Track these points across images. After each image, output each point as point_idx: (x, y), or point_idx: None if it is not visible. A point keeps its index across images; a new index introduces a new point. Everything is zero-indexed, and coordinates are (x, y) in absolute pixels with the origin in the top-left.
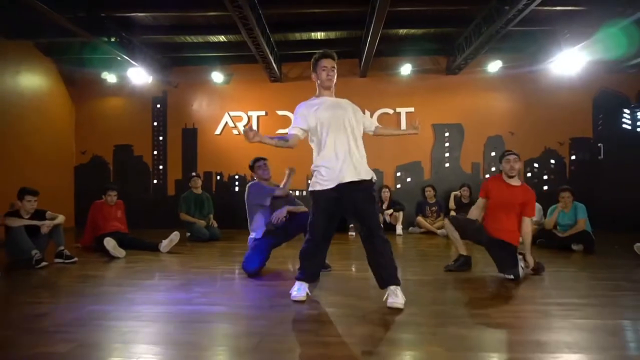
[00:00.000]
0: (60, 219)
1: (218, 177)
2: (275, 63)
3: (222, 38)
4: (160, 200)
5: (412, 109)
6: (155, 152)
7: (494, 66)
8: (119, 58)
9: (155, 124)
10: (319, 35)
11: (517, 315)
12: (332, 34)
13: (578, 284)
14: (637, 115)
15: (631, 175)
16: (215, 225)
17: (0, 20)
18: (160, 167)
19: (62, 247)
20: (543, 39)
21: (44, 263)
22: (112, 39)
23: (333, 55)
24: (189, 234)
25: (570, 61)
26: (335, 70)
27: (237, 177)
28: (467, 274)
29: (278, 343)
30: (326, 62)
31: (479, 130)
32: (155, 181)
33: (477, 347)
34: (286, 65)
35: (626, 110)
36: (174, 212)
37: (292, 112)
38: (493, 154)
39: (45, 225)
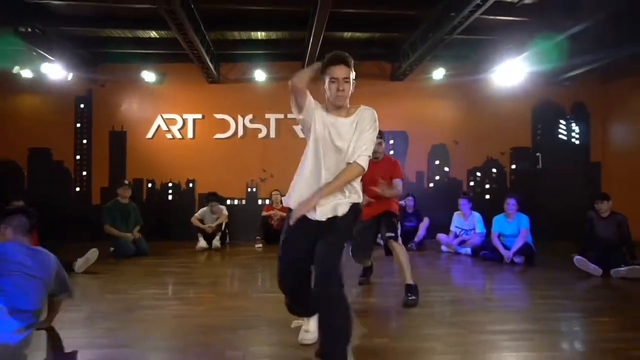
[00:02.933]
0: None
1: (149, 185)
2: (212, 63)
3: (152, 34)
4: (82, 209)
5: None
6: (78, 157)
7: (438, 73)
8: (34, 53)
9: (78, 125)
10: (260, 34)
11: (466, 348)
12: (273, 34)
13: (524, 305)
14: (572, 127)
15: (567, 184)
16: (141, 238)
17: None
18: (84, 173)
19: None
20: (486, 48)
21: None
22: (23, 29)
23: (347, 59)
24: (112, 248)
25: (512, 71)
26: (351, 82)
27: (170, 184)
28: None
29: None
30: (337, 71)
31: (423, 138)
32: (77, 189)
33: None
34: (225, 66)
35: (562, 121)
36: (98, 223)
37: (231, 116)
38: (437, 162)
39: None
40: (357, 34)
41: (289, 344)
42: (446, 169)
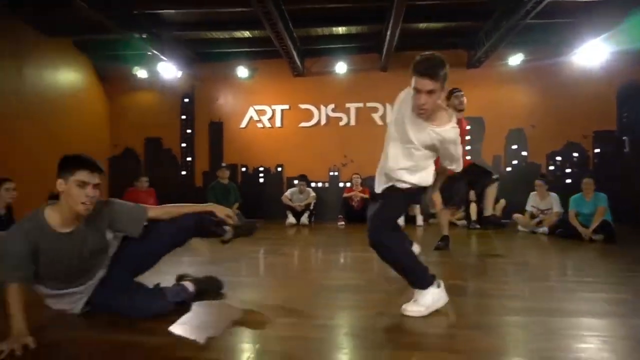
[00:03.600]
0: None
1: (243, 169)
2: (298, 57)
3: (247, 34)
4: (187, 190)
5: None
6: (183, 145)
7: (516, 59)
8: (149, 53)
9: (183, 117)
10: (341, 30)
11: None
12: (353, 29)
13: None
14: None
15: None
16: (240, 214)
17: (43, 19)
18: (188, 158)
19: None
20: (565, 30)
21: None
22: (144, 35)
23: (431, 72)
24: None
25: (593, 53)
26: (436, 94)
27: (261, 169)
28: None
29: None
30: (421, 83)
31: (500, 123)
32: (183, 172)
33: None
34: (309, 60)
35: None
36: (201, 202)
37: (314, 106)
38: (515, 146)
39: None
40: (433, 24)
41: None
42: (524, 153)
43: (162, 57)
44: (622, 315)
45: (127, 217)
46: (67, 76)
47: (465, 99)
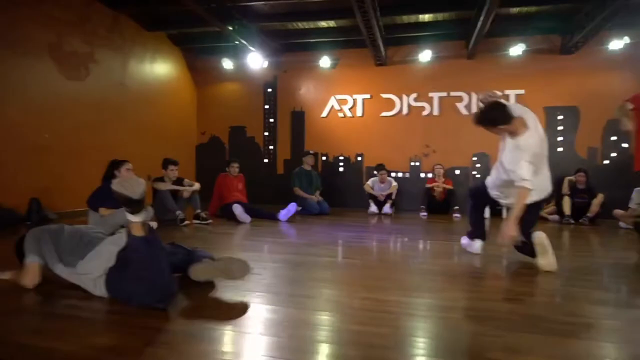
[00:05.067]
0: (197, 186)
1: (324, 158)
2: (382, 46)
3: (331, 23)
4: (269, 177)
5: (522, 91)
6: (266, 133)
7: (618, 43)
8: (237, 43)
9: (266, 107)
10: (427, 17)
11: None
12: (440, 16)
13: None
14: None
15: None
16: (323, 200)
17: (142, 13)
18: (271, 147)
19: (199, 210)
20: None
21: (186, 222)
22: (236, 27)
23: (484, 123)
24: (300, 208)
25: None
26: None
27: (341, 158)
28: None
29: None
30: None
31: (597, 113)
32: (265, 160)
33: None
34: (391, 49)
35: None
36: (281, 190)
37: (396, 95)
38: (614, 138)
39: (186, 191)
40: (526, 9)
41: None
42: (624, 144)
43: (250, 47)
44: None
45: None
46: (163, 68)
47: None
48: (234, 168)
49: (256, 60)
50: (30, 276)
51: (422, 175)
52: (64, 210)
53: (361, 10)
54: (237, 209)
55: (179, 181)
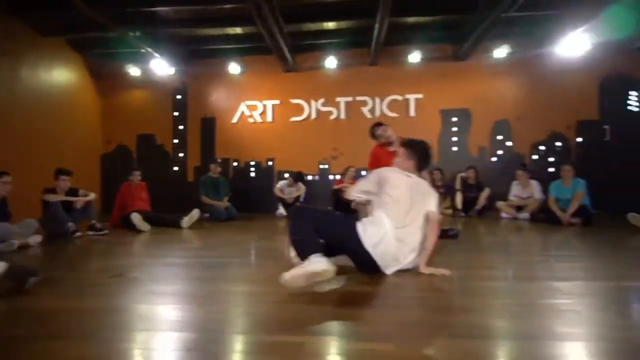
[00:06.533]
0: (92, 196)
1: (235, 163)
2: (288, 53)
3: (238, 30)
4: (179, 185)
5: (420, 96)
6: (175, 141)
7: (501, 52)
8: (142, 51)
9: (176, 114)
10: (331, 25)
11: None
12: (343, 24)
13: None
14: None
15: (637, 157)
16: (231, 206)
17: (38, 18)
18: (181, 154)
19: (94, 221)
20: (547, 23)
21: (78, 233)
22: (138, 33)
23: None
24: (207, 215)
25: (576, 44)
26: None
27: (252, 163)
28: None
29: None
30: None
31: (486, 115)
32: (175, 168)
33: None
34: (299, 56)
35: (633, 93)
36: (192, 198)
37: (305, 100)
38: (500, 137)
39: (79, 201)
40: (421, 19)
41: None
42: (509, 143)
43: (155, 54)
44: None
45: None
46: (61, 74)
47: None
48: (136, 177)
49: (162, 67)
50: None
51: (331, 177)
52: None
53: (260, 18)
54: (135, 218)
55: (73, 192)
